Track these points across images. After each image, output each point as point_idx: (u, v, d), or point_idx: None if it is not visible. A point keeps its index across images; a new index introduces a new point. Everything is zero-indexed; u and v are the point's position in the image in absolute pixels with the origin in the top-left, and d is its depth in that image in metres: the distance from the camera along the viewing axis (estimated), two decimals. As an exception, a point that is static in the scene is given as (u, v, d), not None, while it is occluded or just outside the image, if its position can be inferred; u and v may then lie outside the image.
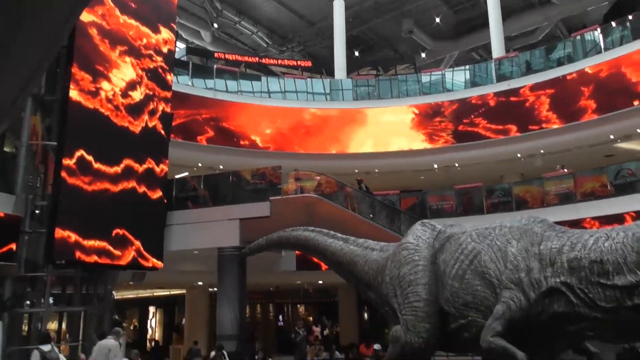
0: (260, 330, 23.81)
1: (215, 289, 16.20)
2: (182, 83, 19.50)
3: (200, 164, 20.28)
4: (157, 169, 14.33)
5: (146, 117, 14.12)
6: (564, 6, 25.46)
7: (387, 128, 21.25)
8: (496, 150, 19.96)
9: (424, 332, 4.91)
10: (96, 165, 12.19)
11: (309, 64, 28.33)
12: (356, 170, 20.73)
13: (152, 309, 25.55)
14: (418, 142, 21.17)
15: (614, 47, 17.93)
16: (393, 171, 21.31)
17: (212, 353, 13.01)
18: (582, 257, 4.22)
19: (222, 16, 27.00)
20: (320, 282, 21.34)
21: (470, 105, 20.57)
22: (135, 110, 13.71)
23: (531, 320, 4.37)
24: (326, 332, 22.03)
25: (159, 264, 13.85)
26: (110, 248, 12.30)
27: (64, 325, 12.51)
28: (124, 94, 13.40)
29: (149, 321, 25.51)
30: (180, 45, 26.49)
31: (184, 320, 22.86)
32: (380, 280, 5.72)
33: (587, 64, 18.30)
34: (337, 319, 23.64)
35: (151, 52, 14.73)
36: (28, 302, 11.26)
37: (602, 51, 18.26)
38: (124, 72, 13.54)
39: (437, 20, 27.40)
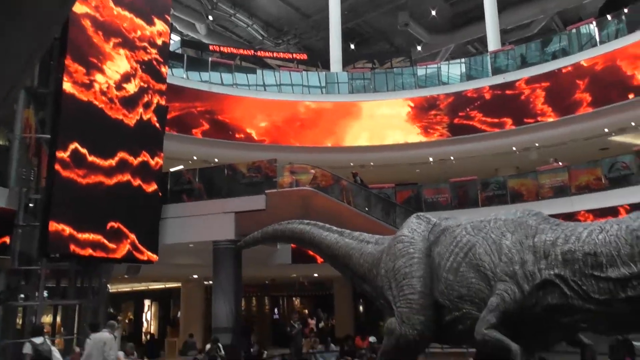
0: (255, 323, 23.88)
1: (211, 282, 16.21)
2: (176, 76, 19.39)
3: (195, 157, 20.22)
4: (152, 162, 14.27)
5: (141, 109, 14.04)
6: (560, -1, 25.47)
7: (383, 121, 21.24)
8: (491, 143, 19.99)
9: (418, 325, 4.93)
10: (90, 158, 12.13)
11: (305, 56, 28.23)
12: (352, 164, 20.73)
13: (147, 302, 25.55)
14: (413, 135, 21.17)
15: (610, 40, 17.96)
16: (388, 164, 21.32)
17: (208, 346, 13.04)
18: (576, 249, 4.23)
19: (217, 8, 26.84)
20: (316, 275, 21.38)
21: (465, 98, 20.57)
22: (129, 102, 13.64)
23: (525, 312, 4.39)
24: (321, 324, 22.12)
25: (154, 257, 13.83)
26: (105, 241, 12.26)
27: (58, 319, 12.49)
28: (118, 87, 13.32)
29: (144, 314, 25.51)
30: (175, 38, 26.34)
31: (179, 313, 22.89)
32: (375, 273, 5.72)
33: (583, 57, 18.32)
34: (333, 312, 23.72)
35: (145, 44, 14.62)
36: (22, 296, 11.22)
37: (598, 44, 18.28)
38: (118, 64, 13.45)
39: (433, 13, 27.33)
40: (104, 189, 12.44)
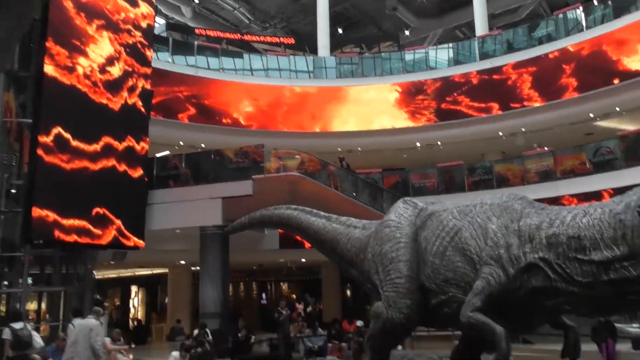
0: (243, 309, 23.95)
1: (198, 267, 16.19)
2: (162, 60, 19.12)
3: (181, 143, 20.04)
4: (138, 147, 14.11)
5: (125, 93, 13.83)
6: (548, -16, 25.44)
7: (371, 106, 21.19)
8: (478, 128, 20.07)
9: (405, 308, 4.95)
10: (74, 143, 11.94)
11: (292, 41, 27.93)
12: (339, 149, 20.71)
13: (134, 289, 25.48)
14: (401, 120, 21.16)
15: (596, 25, 18.02)
16: (376, 149, 21.32)
17: (195, 331, 13.05)
18: (560, 233, 4.26)
19: (203, -9, 26.41)
20: (303, 260, 21.44)
21: (453, 83, 20.57)
22: (113, 86, 13.42)
23: (510, 295, 4.42)
24: (309, 309, 22.24)
25: (141, 243, 13.75)
26: (91, 227, 12.14)
27: (43, 306, 12.40)
28: (102, 70, 13.09)
29: (131, 300, 25.45)
30: (160, 21, 25.86)
31: (166, 299, 22.86)
32: (362, 257, 5.73)
33: (569, 42, 18.38)
34: (320, 297, 23.86)
35: (129, 26, 14.36)
36: (6, 283, 11.10)
37: (584, 29, 18.34)
38: (102, 47, 13.20)
39: (421, -3, 27.13)
40: (88, 175, 12.29)
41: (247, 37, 27.32)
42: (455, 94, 20.50)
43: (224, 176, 14.63)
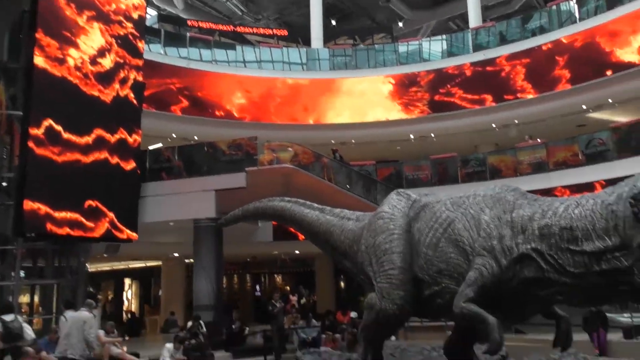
0: (237, 301, 23.99)
1: (192, 260, 16.17)
2: (154, 51, 18.97)
3: (174, 135, 19.93)
4: (130, 140, 14.02)
5: (117, 85, 13.72)
6: (541, -25, 25.41)
7: (364, 98, 21.15)
8: (471, 120, 20.10)
9: (398, 299, 4.96)
10: (66, 135, 11.85)
11: (285, 32, 27.77)
12: (333, 141, 20.68)
13: (127, 281, 25.43)
14: (394, 112, 21.15)
15: (589, 17, 18.02)
16: (370, 142, 21.31)
17: (189, 323, 13.06)
18: (553, 224, 4.27)
19: (195, -18, 26.17)
20: (297, 252, 21.47)
21: (446, 75, 20.56)
22: (105, 78, 13.31)
23: (503, 286, 4.44)
24: (303, 301, 22.29)
25: (134, 235, 13.70)
26: (83, 220, 12.08)
27: (36, 299, 12.35)
28: (93, 62, 12.97)
29: (124, 293, 25.42)
30: (152, 12, 25.63)
31: (160, 291, 22.85)
32: (356, 249, 5.73)
33: (563, 34, 18.39)
34: (314, 288, 23.92)
35: (121, 17, 14.22)
36: (-2, 276, 11.05)
37: (577, 21, 18.35)
38: (92, 38, 13.07)
39: (415, -12, 27.06)
40: (80, 167, 12.20)
41: (239, 29, 27.12)
42: (448, 86, 20.50)
43: (217, 169, 14.59)
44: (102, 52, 13.31)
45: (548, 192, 14.42)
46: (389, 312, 5.01)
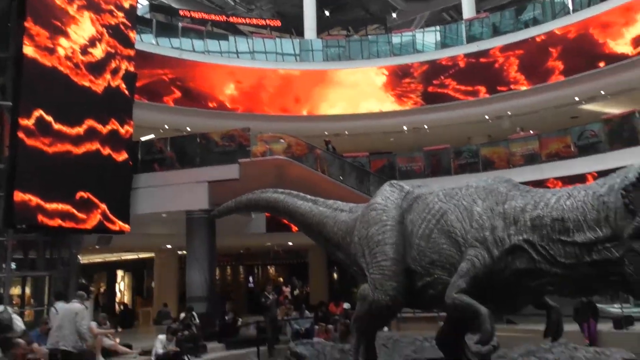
0: (231, 292, 24.00)
1: (185, 251, 16.13)
2: (145, 42, 18.79)
3: (166, 126, 19.80)
4: (122, 130, 13.92)
5: (108, 76, 13.60)
6: (535, -33, 25.30)
7: (357, 89, 21.10)
8: (465, 112, 20.11)
9: (391, 290, 4.97)
10: (56, 126, 11.74)
11: (278, 23, 27.59)
12: (326, 132, 20.64)
13: (120, 273, 25.36)
14: (388, 103, 21.12)
15: (582, 8, 18.04)
16: (363, 133, 21.30)
17: (182, 315, 13.05)
18: (544, 215, 4.28)
19: (187, -29, 25.89)
20: (290, 243, 21.48)
21: (440, 66, 20.54)
22: (96, 68, 13.18)
23: (494, 277, 4.45)
24: (296, 292, 22.34)
25: (126, 227, 13.64)
26: (75, 211, 12.01)
27: (28, 290, 12.29)
28: (84, 51, 12.83)
29: (117, 285, 25.35)
30: (143, 2, 25.34)
31: (153, 283, 22.81)
32: (349, 240, 5.73)
33: (556, 26, 18.40)
34: (307, 280, 23.97)
35: (111, 7, 14.06)
36: (-12, 268, 10.98)
37: (571, 13, 18.36)
38: (83, 28, 12.92)
39: (409, -21, 26.94)
40: (72, 158, 12.11)
41: (232, 19, 26.91)
42: (442, 77, 20.48)
43: (210, 160, 14.53)
44: (92, 42, 13.16)
45: (540, 184, 14.48)
46: (382, 303, 5.02)
